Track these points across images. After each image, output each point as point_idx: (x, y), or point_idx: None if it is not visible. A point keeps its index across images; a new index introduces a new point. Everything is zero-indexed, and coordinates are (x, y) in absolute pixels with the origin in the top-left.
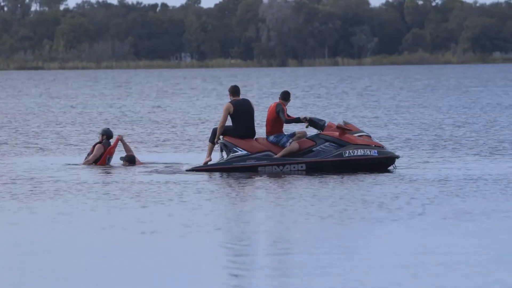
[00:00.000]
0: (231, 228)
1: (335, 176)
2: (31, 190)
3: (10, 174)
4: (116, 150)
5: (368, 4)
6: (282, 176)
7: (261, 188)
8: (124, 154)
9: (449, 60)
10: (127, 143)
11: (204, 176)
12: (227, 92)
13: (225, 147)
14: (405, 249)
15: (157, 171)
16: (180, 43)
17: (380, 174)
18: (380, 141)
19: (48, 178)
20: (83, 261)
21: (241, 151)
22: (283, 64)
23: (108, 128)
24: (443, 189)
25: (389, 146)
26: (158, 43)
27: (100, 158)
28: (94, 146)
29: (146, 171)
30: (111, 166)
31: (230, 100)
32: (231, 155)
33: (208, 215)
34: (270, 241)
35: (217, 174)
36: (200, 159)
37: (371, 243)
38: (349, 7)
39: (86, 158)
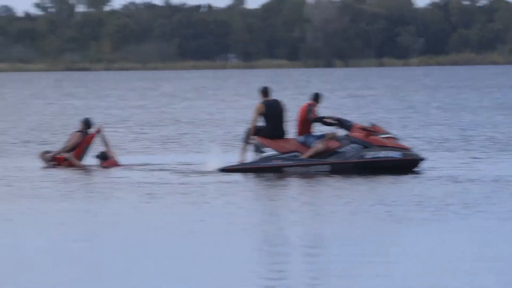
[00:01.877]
0: (266, 228)
1: (370, 177)
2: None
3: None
4: (94, 142)
5: (413, 4)
6: (315, 176)
7: (294, 188)
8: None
9: (496, 60)
10: (106, 138)
11: (235, 176)
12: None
13: (256, 147)
14: (453, 251)
15: (189, 171)
16: (225, 44)
17: (423, 175)
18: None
19: (105, 179)
20: (134, 259)
21: (270, 151)
22: (328, 64)
23: (89, 118)
24: (494, 189)
25: (443, 147)
26: (203, 44)
27: (77, 147)
28: (72, 134)
29: (180, 171)
30: (143, 166)
31: (261, 101)
32: (262, 155)
33: (241, 215)
34: (312, 240)
35: (249, 174)
36: (235, 159)
37: (416, 244)
38: (394, 7)
39: (63, 146)
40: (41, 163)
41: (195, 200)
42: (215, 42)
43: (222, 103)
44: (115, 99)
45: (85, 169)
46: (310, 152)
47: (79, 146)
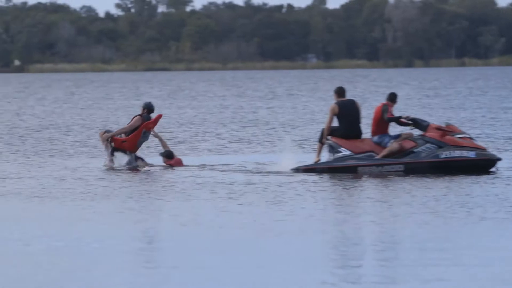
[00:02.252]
0: (340, 229)
1: (445, 177)
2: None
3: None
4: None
5: (495, 4)
6: (389, 176)
7: (370, 188)
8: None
9: None
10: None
11: (311, 176)
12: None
13: (330, 147)
14: None
15: (264, 171)
16: (305, 44)
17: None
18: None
19: (178, 178)
20: (212, 258)
21: (345, 151)
22: (409, 64)
23: (151, 102)
24: None
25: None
26: (283, 44)
27: (136, 130)
28: (133, 118)
29: (256, 171)
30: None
31: (335, 101)
32: (337, 155)
33: (317, 215)
34: (388, 241)
35: (322, 174)
36: (310, 159)
37: (497, 245)
38: (475, 7)
39: (122, 127)
40: (100, 143)
41: (272, 200)
42: (295, 42)
43: (298, 103)
44: (190, 99)
45: (146, 164)
46: (384, 152)
47: (138, 130)
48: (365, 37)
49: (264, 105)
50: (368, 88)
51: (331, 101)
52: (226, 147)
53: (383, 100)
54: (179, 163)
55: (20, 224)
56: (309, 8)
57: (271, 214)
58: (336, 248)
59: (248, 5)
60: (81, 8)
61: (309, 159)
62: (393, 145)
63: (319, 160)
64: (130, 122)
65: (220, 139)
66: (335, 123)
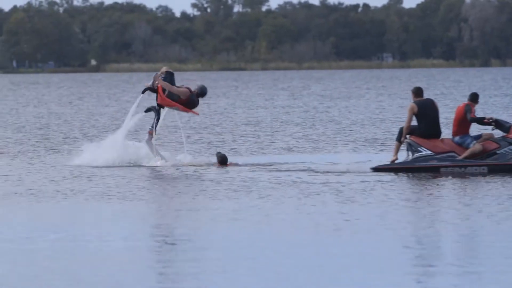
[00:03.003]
0: (415, 227)
1: None
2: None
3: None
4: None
5: None
6: (469, 177)
7: (448, 189)
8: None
9: None
10: None
11: (388, 176)
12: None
13: (410, 147)
14: None
15: (344, 170)
16: (381, 43)
17: None
18: None
19: (244, 177)
20: (280, 257)
21: (425, 151)
22: (485, 64)
23: (205, 87)
24: None
25: None
26: (359, 44)
27: (174, 99)
28: (185, 87)
29: (333, 170)
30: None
31: (413, 101)
32: (416, 155)
33: (392, 214)
34: (464, 243)
35: (401, 174)
36: (387, 158)
37: None
38: None
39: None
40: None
41: (345, 199)
42: (371, 41)
43: (374, 102)
44: (262, 99)
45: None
46: (467, 153)
47: (178, 101)
48: (441, 36)
49: (336, 105)
50: (450, 87)
51: (398, 100)
52: (297, 146)
53: (457, 98)
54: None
55: (97, 224)
56: (385, 8)
57: (346, 213)
58: (409, 248)
59: (324, 5)
60: (157, 8)
61: (378, 158)
62: (476, 147)
63: (396, 159)
64: (180, 87)
65: (291, 139)
66: (413, 122)
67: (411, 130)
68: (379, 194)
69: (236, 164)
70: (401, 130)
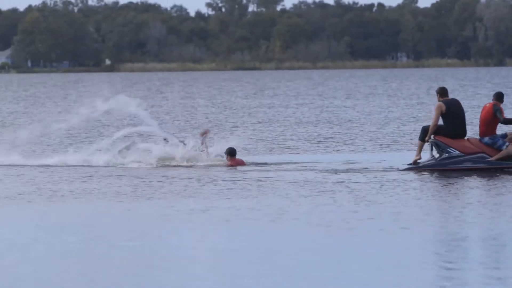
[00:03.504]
0: (444, 227)
1: None
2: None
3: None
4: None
5: None
6: (494, 177)
7: (472, 189)
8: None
9: None
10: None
11: (410, 175)
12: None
13: (437, 147)
14: None
15: (371, 170)
16: (396, 43)
17: None
18: None
19: (263, 177)
20: (297, 256)
21: (453, 151)
22: (500, 63)
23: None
24: None
25: None
26: (374, 43)
27: None
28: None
29: (357, 169)
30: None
31: (440, 100)
32: (445, 155)
33: (412, 214)
34: (488, 244)
35: (426, 173)
36: (409, 158)
37: None
38: None
39: None
40: None
41: (361, 198)
42: (385, 41)
43: (388, 102)
44: (277, 98)
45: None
46: (500, 154)
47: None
48: (456, 35)
49: (349, 104)
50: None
51: (412, 101)
52: (313, 145)
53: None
54: (241, 163)
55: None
56: (399, 7)
57: (364, 212)
58: (436, 247)
59: (339, 4)
60: (172, 8)
61: (409, 157)
62: (510, 148)
63: (419, 158)
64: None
65: (307, 138)
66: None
67: (436, 130)
68: (395, 193)
69: (243, 163)
70: (423, 129)
